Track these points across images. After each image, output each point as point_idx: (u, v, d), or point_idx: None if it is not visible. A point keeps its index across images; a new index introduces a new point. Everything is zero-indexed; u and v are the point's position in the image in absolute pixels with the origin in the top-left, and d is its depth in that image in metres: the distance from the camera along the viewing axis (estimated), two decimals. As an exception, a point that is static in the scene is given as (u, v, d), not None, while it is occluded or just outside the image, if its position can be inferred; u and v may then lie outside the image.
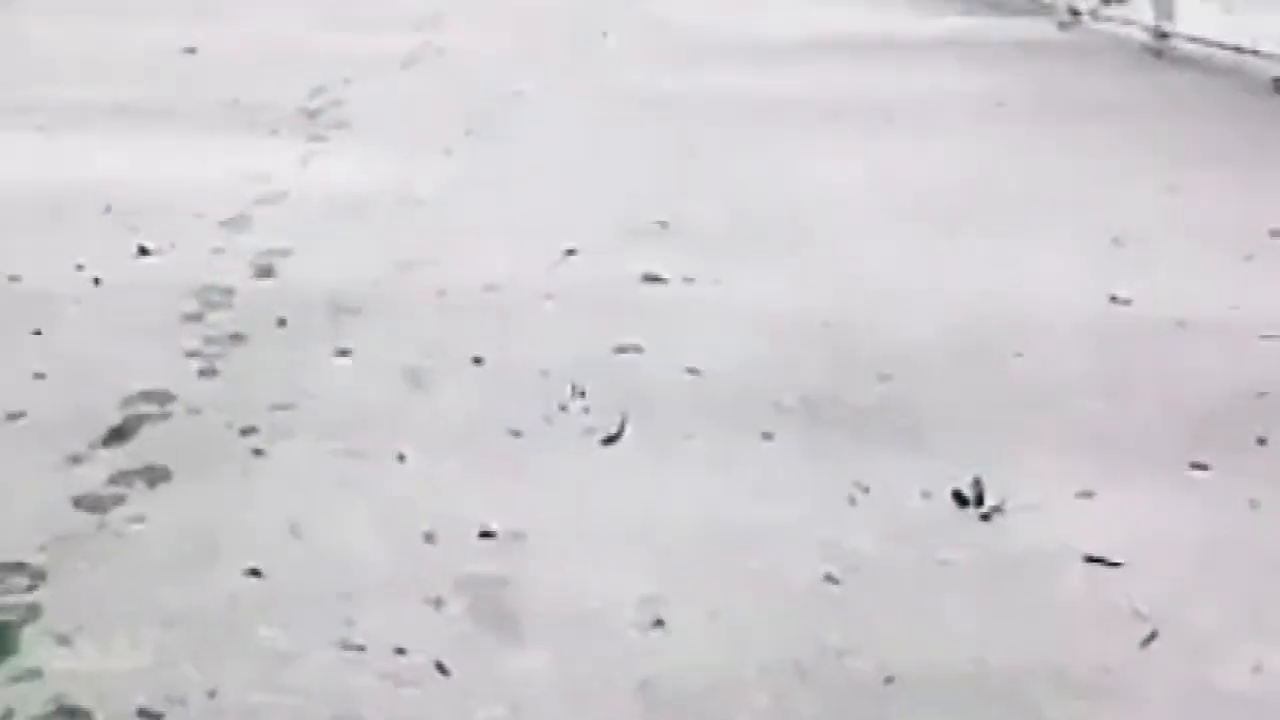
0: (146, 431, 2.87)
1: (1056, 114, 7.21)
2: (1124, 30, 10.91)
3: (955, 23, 12.23)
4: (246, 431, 2.88)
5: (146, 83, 7.96)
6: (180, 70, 8.57)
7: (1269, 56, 8.47)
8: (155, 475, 2.66)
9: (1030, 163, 5.89)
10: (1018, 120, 6.91)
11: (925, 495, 2.67)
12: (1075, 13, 11.73)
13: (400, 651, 2.04)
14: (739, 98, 7.71)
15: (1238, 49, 8.93)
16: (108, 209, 4.72)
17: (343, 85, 7.95)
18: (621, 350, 3.47)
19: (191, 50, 9.23)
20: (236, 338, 3.48)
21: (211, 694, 1.92)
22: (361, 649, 2.05)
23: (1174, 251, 4.51)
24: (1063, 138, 6.42)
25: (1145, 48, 10.00)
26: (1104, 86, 8.34)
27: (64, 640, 2.06)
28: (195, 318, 3.62)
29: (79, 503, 2.53)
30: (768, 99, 7.70)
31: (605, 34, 11.17)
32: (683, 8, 13.50)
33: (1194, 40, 9.62)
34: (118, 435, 2.85)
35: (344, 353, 3.40)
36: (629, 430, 2.93)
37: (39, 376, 3.18)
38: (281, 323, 3.59)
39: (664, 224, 4.70)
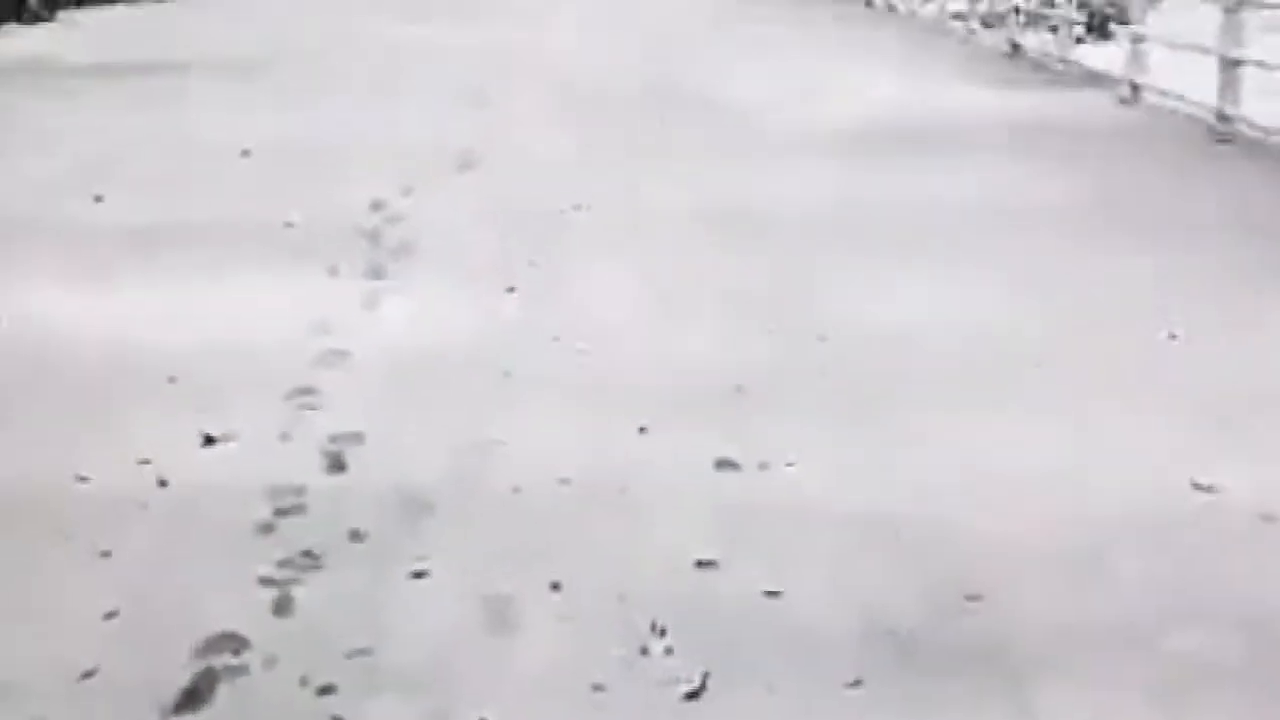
0: (221, 695, 2.81)
1: (1120, 229, 7.03)
2: (1187, 110, 10.77)
3: (1013, 99, 12.09)
4: (324, 691, 2.82)
5: (200, 197, 7.96)
6: (236, 179, 8.57)
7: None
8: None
9: (1097, 302, 5.74)
10: (1081, 242, 6.72)
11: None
12: (1136, 88, 11.59)
13: None
14: (800, 207, 7.63)
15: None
16: (171, 379, 4.69)
17: (401, 197, 7.93)
18: (699, 565, 3.39)
19: (247, 153, 9.25)
20: (309, 556, 3.42)
21: None
22: None
23: (1263, 422, 4.37)
24: (1129, 266, 6.25)
25: (1211, 132, 9.86)
26: (1169, 190, 8.17)
27: None
28: (267, 529, 3.57)
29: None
30: (834, 208, 7.61)
31: (662, 121, 11.15)
32: (736, 83, 13.50)
33: (1259, 129, 9.48)
34: (191, 700, 2.79)
35: (420, 574, 3.33)
36: (710, 684, 2.85)
37: (110, 616, 3.13)
38: (355, 536, 3.54)
39: (739, 388, 4.63)
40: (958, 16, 18.06)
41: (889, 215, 7.44)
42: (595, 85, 13.15)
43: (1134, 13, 11.55)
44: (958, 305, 5.66)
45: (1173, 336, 5.20)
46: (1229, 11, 9.63)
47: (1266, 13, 11.22)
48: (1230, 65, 9.69)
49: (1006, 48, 15.23)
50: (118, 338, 5.20)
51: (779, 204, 7.72)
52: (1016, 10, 14.93)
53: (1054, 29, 14.06)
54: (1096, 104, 11.70)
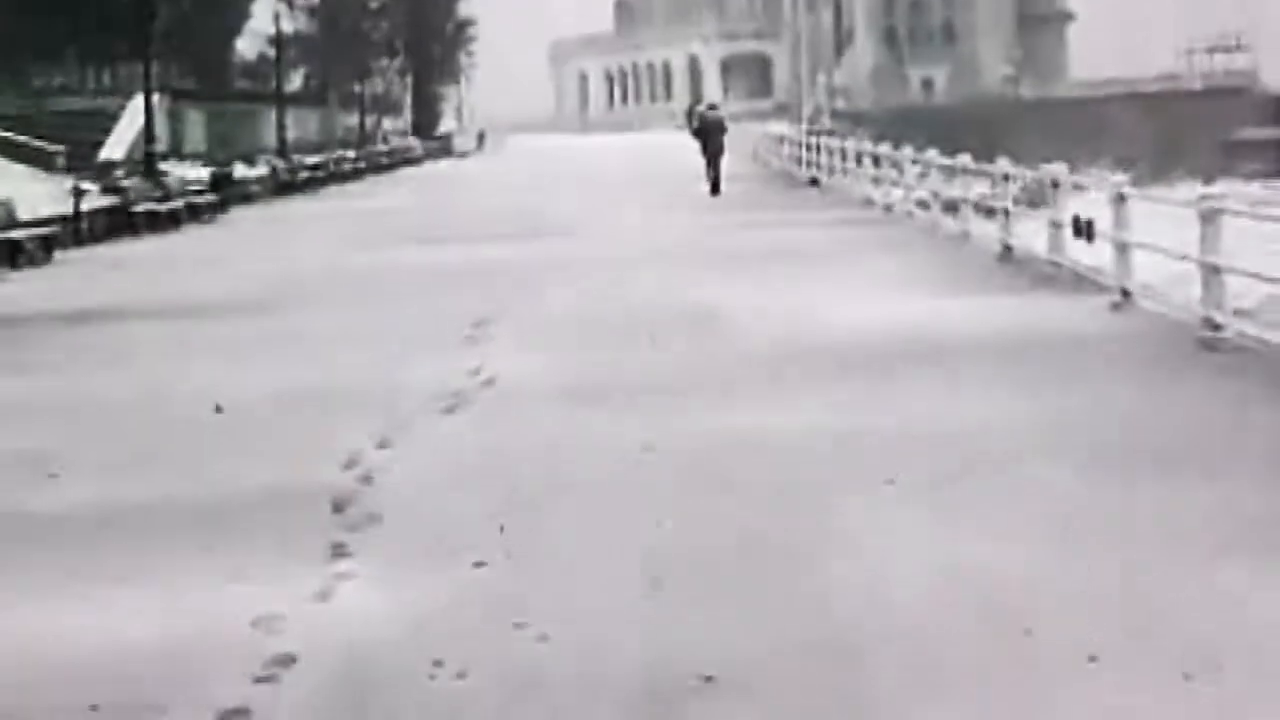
0: None
1: (1116, 470, 6.74)
2: (1175, 315, 10.70)
3: (1003, 307, 12.05)
4: None
5: (154, 470, 7.61)
6: (205, 440, 8.32)
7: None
8: None
9: (1094, 569, 5.52)
10: (1075, 487, 6.47)
11: None
12: (1126, 293, 11.55)
13: None
14: (787, 444, 7.48)
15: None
16: (94, 709, 4.45)
17: (376, 451, 7.81)
18: None
19: (220, 410, 9.04)
20: None
21: None
22: None
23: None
24: (1124, 520, 6.04)
25: (1200, 341, 9.76)
26: (1158, 411, 7.99)
27: None
28: None
29: None
30: (815, 442, 7.47)
31: (652, 338, 11.13)
32: (730, 294, 13.53)
33: (1247, 336, 9.38)
34: None
35: None
36: None
37: None
38: None
39: (708, 679, 4.42)
40: (922, 204, 18.26)
41: (876, 450, 7.30)
42: (599, 314, 13.16)
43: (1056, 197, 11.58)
44: (958, 570, 5.41)
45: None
46: (1206, 220, 9.62)
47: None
48: (1212, 272, 9.64)
49: (998, 248, 15.29)
50: (31, 657, 4.93)
51: (761, 443, 7.58)
52: (966, 200, 15.06)
53: (1005, 213, 14.16)
54: (1088, 310, 11.61)
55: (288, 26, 48.78)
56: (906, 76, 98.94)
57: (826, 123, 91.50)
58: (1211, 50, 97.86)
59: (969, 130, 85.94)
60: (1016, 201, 15.35)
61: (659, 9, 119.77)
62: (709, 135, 29.94)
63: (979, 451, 7.16)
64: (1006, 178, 14.92)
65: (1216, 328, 9.60)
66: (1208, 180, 78.73)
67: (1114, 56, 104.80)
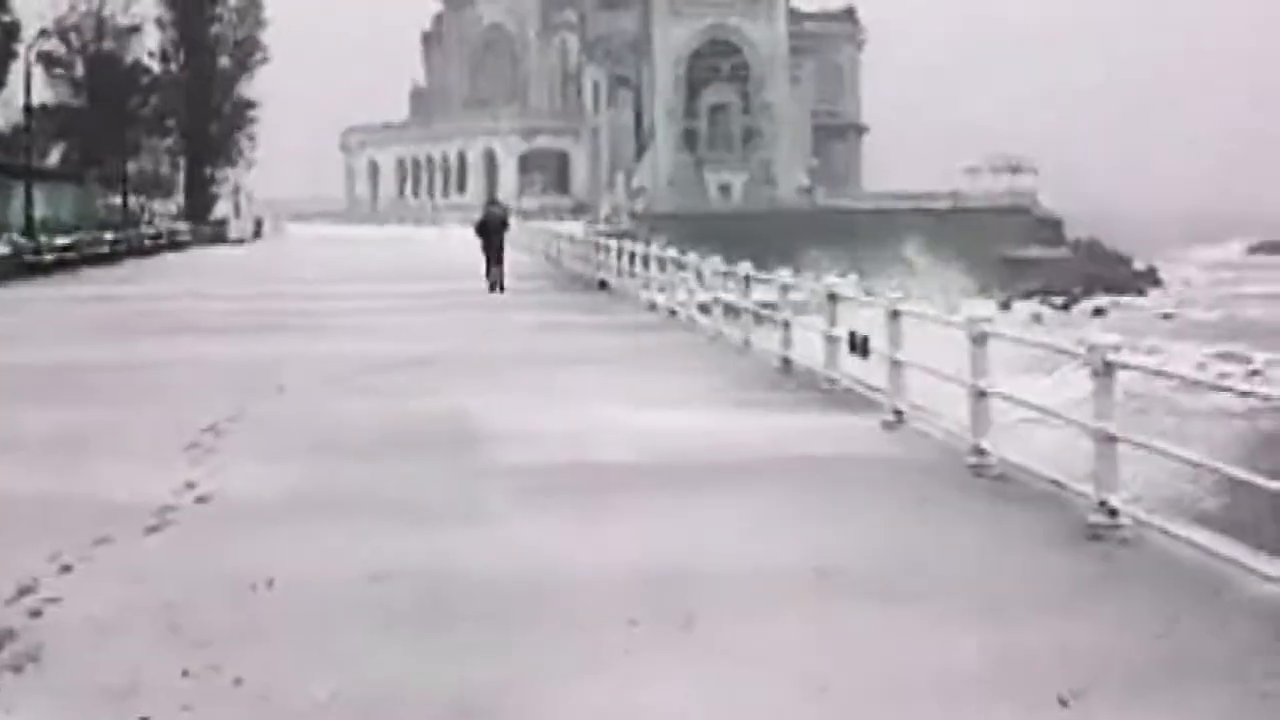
0: None
1: (891, 600, 6.54)
2: (944, 438, 10.60)
3: (775, 425, 11.84)
4: None
5: None
6: None
7: (1082, 495, 8.11)
8: None
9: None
10: (833, 637, 6.17)
11: None
12: (899, 414, 11.45)
13: None
14: (512, 576, 6.92)
15: (1055, 483, 8.57)
16: None
17: (57, 575, 7.05)
18: None
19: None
20: None
21: None
22: None
23: None
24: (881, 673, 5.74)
25: (970, 468, 9.63)
26: (925, 545, 7.74)
27: None
28: None
29: None
30: (554, 577, 6.96)
31: (404, 449, 10.49)
32: (497, 402, 13.05)
33: (1013, 465, 9.28)
34: None
35: None
36: None
37: None
38: None
39: None
40: (704, 309, 18.20)
41: (621, 586, 6.83)
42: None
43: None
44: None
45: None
46: (976, 344, 9.55)
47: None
48: (980, 396, 9.55)
49: (777, 362, 15.17)
50: None
51: (492, 580, 7.05)
52: (717, 301, 14.98)
53: (785, 325, 14.11)
54: (861, 430, 11.47)
55: (48, 96, 46.93)
56: (705, 181, 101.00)
57: (625, 223, 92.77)
58: (995, 170, 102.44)
59: (765, 237, 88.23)
60: (803, 309, 15.30)
61: (456, 99, 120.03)
62: (491, 232, 29.73)
63: (725, 590, 6.76)
64: (786, 288, 14.86)
65: (982, 453, 9.49)
66: (1006, 304, 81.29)
67: (904, 170, 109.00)
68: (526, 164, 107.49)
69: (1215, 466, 7.09)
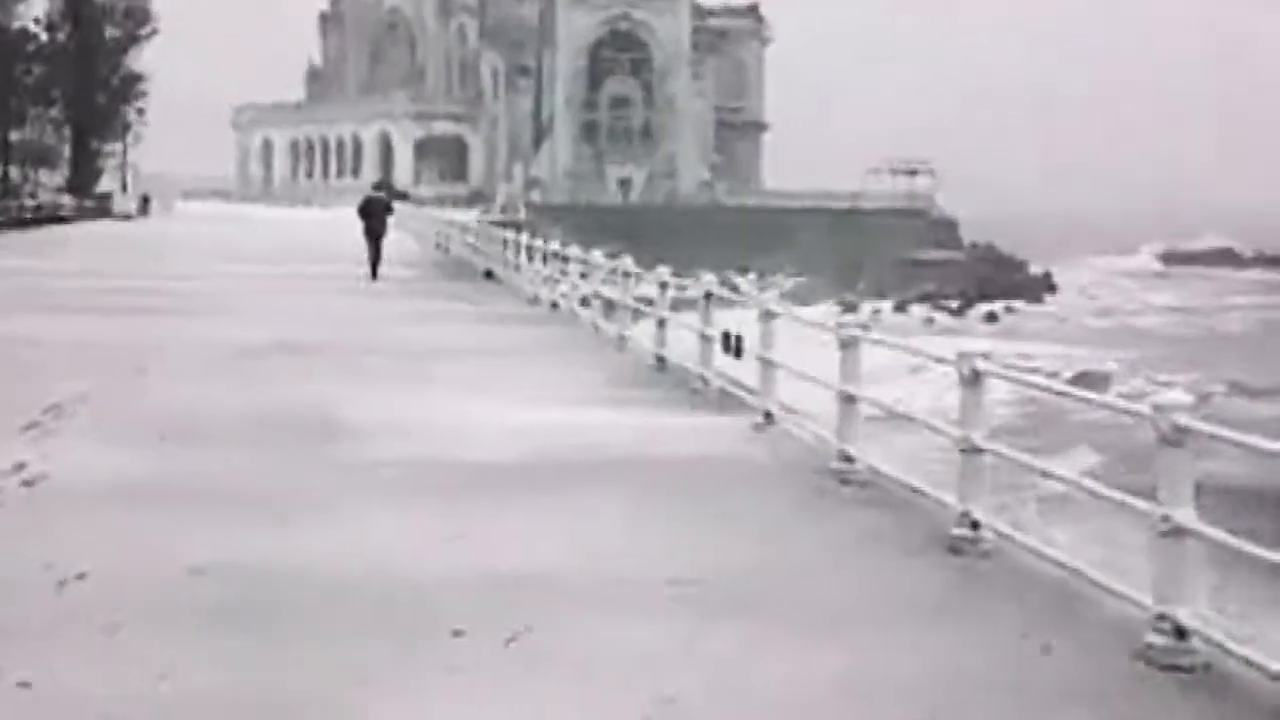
0: None
1: (739, 613, 6.28)
2: (812, 441, 10.45)
3: (642, 423, 11.61)
4: None
5: None
6: None
7: (943, 504, 7.97)
8: None
9: None
10: (684, 646, 5.92)
11: None
12: (769, 415, 11.28)
13: None
14: (354, 575, 6.60)
15: (919, 492, 8.43)
16: None
17: None
18: None
19: None
20: None
21: None
22: None
23: None
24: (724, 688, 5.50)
25: (833, 473, 9.48)
26: (785, 555, 7.53)
27: None
28: None
29: None
30: (396, 578, 6.64)
31: (255, 439, 10.02)
32: (364, 393, 12.68)
33: (880, 472, 9.14)
34: None
35: None
36: None
37: None
38: None
39: None
40: (585, 303, 17.99)
41: (463, 590, 6.54)
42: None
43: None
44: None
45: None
46: (846, 347, 9.39)
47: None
48: (848, 401, 9.39)
49: (653, 360, 14.96)
50: None
51: (330, 573, 6.73)
52: (597, 296, 14.79)
53: (661, 323, 13.95)
54: (730, 431, 11.29)
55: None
56: (605, 174, 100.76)
57: (521, 214, 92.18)
58: (895, 172, 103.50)
59: (664, 232, 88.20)
60: (684, 307, 15.10)
61: (353, 81, 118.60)
62: (372, 217, 29.27)
63: (569, 599, 6.50)
64: (664, 285, 14.65)
65: (850, 460, 9.33)
66: (901, 305, 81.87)
67: (805, 169, 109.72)
68: (423, 150, 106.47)
69: (1075, 481, 6.97)
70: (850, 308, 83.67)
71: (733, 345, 12.11)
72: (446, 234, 41.69)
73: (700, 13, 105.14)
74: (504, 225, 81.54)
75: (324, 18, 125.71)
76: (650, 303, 15.21)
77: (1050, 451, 38.39)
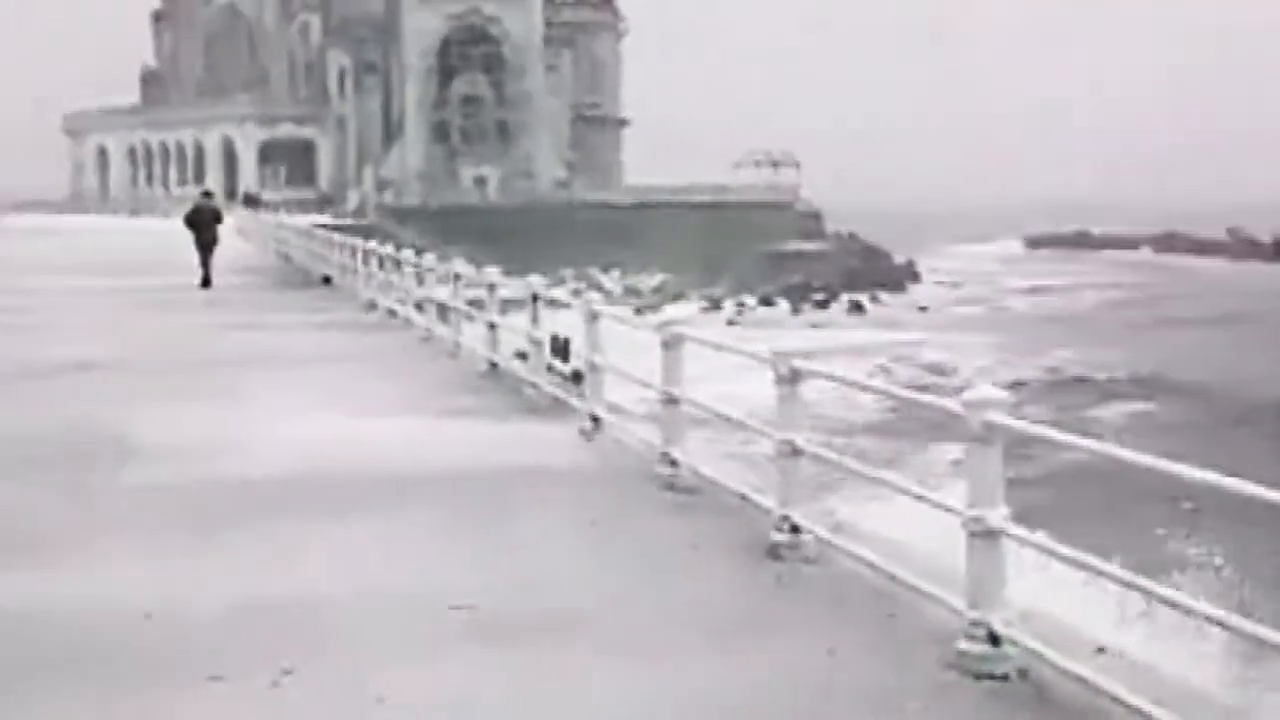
0: None
1: (540, 636, 5.95)
2: (639, 446, 10.17)
3: (477, 435, 11.23)
4: None
5: None
6: None
7: (764, 509, 7.71)
8: None
9: None
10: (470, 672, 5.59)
11: None
12: (596, 420, 10.98)
13: None
14: (99, 614, 6.12)
15: (742, 496, 8.17)
16: None
17: None
18: None
19: None
20: None
21: None
22: None
23: None
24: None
25: (658, 480, 9.20)
26: (599, 564, 7.26)
27: None
28: None
29: None
30: (164, 645, 6.13)
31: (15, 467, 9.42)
32: (164, 410, 12.11)
33: (705, 477, 8.87)
34: None
35: None
36: None
37: None
38: None
39: None
40: (419, 307, 17.58)
41: (224, 627, 6.10)
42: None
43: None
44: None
45: None
46: (668, 348, 9.10)
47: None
48: (671, 403, 9.11)
49: (484, 365, 14.56)
50: None
51: (80, 612, 6.24)
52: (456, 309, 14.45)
53: (491, 326, 13.63)
54: (558, 438, 10.98)
55: None
56: (459, 174, 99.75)
57: (372, 217, 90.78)
58: (759, 164, 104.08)
59: (522, 232, 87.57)
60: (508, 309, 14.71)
61: (190, 83, 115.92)
62: (201, 226, 28.77)
63: (343, 634, 6.10)
64: (493, 287, 14.25)
65: (674, 464, 9.05)
66: (767, 299, 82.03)
67: (668, 164, 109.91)
68: (268, 153, 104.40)
69: (883, 479, 6.74)
70: (715, 304, 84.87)
71: (560, 348, 11.78)
72: (287, 240, 40.82)
73: (553, 6, 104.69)
74: (353, 230, 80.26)
75: (157, 16, 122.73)
76: (478, 306, 14.80)
77: (920, 446, 38.77)
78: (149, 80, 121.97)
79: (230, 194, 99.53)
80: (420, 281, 19.59)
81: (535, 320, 12.72)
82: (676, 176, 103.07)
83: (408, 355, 16.79)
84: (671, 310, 79.92)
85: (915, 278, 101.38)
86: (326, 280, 28.75)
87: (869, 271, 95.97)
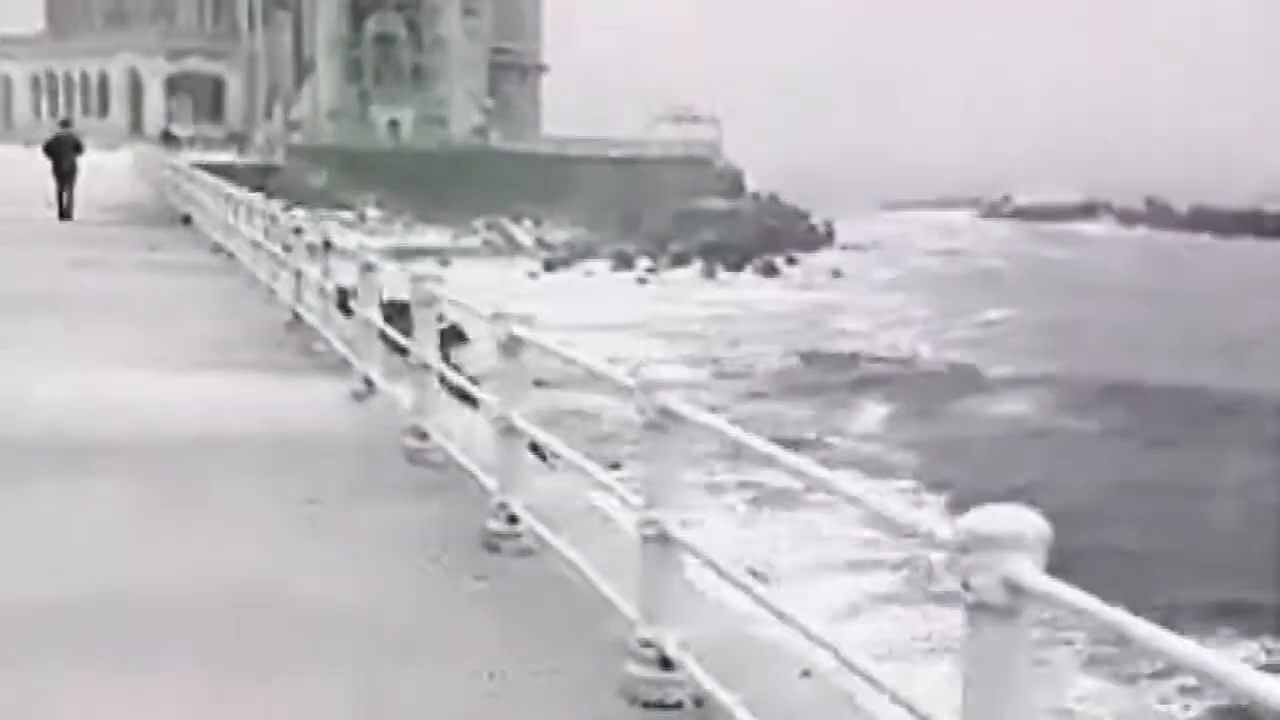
0: None
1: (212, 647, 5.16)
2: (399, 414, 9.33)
3: (253, 395, 10.34)
4: None
5: None
6: None
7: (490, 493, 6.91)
8: None
9: None
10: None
11: None
12: (369, 383, 10.13)
13: None
14: None
15: (474, 477, 7.35)
16: None
17: None
18: None
19: None
20: None
21: None
22: None
23: None
24: None
25: (406, 452, 8.38)
26: (306, 554, 6.37)
27: None
28: None
29: None
30: None
31: None
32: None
33: (444, 452, 8.05)
34: None
35: None
36: None
37: None
38: None
39: None
40: (256, 245, 16.67)
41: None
42: None
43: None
44: None
45: None
46: (421, 305, 8.24)
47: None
48: (424, 369, 8.28)
49: (289, 316, 13.63)
50: None
51: None
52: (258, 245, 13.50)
53: (297, 274, 12.77)
54: (332, 400, 10.15)
55: None
56: (372, 116, 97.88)
57: (280, 157, 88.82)
58: (678, 119, 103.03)
59: (436, 178, 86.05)
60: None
61: (97, 11, 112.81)
62: (60, 156, 27.85)
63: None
64: (299, 231, 13.30)
65: (424, 435, 8.23)
66: (681, 258, 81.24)
67: (586, 115, 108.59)
68: (175, 88, 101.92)
69: (568, 458, 5.93)
70: (627, 262, 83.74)
71: (345, 301, 10.91)
72: (167, 179, 39.51)
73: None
74: (259, 170, 78.31)
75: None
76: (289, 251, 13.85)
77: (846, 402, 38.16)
78: (54, 7, 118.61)
79: (135, 126, 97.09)
80: (267, 232, 18.64)
81: (327, 271, 11.82)
82: (597, 127, 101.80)
83: (231, 302, 15.88)
84: (585, 267, 78.91)
85: (830, 240, 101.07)
86: (186, 220, 27.71)
87: (785, 233, 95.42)
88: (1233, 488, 26.92)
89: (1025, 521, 2.95)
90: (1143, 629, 2.59)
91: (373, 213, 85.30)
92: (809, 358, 46.92)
